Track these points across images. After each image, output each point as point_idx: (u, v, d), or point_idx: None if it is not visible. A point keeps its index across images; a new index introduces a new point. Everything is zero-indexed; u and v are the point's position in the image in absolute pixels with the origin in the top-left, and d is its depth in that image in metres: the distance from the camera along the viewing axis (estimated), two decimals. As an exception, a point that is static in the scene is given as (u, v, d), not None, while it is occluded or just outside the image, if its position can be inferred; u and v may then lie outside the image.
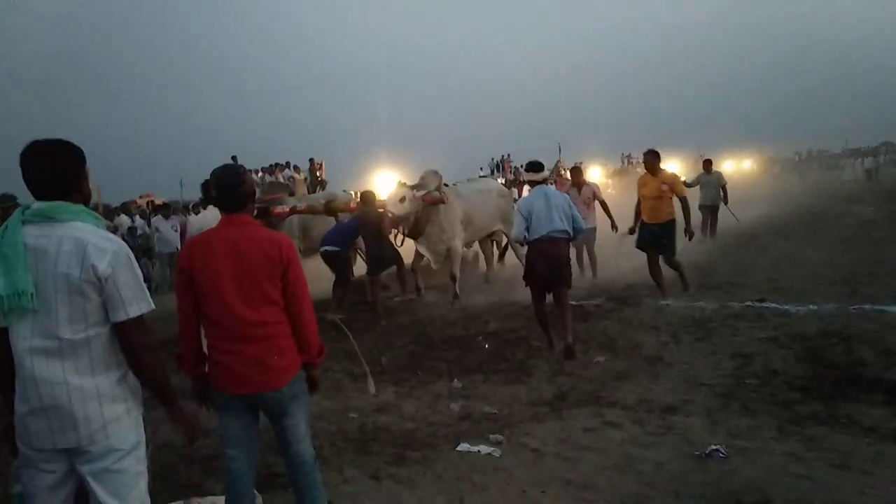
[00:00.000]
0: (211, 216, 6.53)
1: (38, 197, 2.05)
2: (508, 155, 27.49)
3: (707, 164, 12.94)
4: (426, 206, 7.96)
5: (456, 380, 5.17)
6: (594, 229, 9.08)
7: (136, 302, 2.06)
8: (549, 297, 5.86)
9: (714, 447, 3.51)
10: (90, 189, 2.21)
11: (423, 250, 8.49)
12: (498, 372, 5.32)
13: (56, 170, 2.06)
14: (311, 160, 18.84)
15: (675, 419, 4.03)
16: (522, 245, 6.02)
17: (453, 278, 8.32)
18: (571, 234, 5.77)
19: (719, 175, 12.83)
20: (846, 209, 17.28)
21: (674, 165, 31.62)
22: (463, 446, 3.83)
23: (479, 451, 3.76)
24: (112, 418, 2.04)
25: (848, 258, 9.51)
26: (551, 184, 7.82)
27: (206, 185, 6.65)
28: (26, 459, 2.06)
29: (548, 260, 5.64)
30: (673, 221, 7.49)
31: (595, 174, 27.80)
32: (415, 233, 8.10)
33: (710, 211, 12.38)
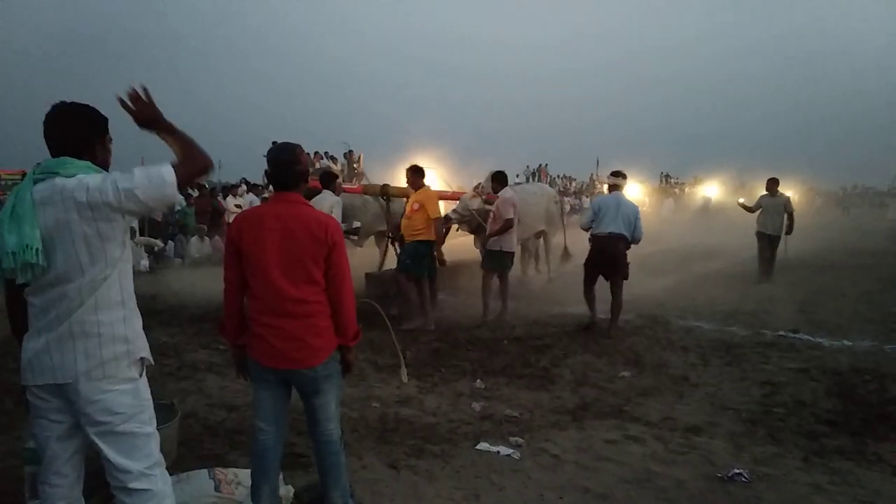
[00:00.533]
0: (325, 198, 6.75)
1: (53, 156, 2.10)
2: (546, 164, 27.40)
3: (772, 183, 10.49)
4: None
5: (479, 380, 5.18)
6: None
7: (163, 179, 2.03)
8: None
9: (737, 471, 3.47)
10: (107, 154, 2.22)
11: (480, 246, 8.53)
12: (521, 377, 5.31)
13: (71, 132, 2.11)
14: (350, 151, 18.97)
15: (698, 440, 3.98)
16: (586, 231, 7.03)
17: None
18: (630, 238, 6.69)
19: (786, 199, 10.47)
20: (888, 248, 16.86)
21: (713, 189, 31.27)
22: (482, 445, 3.84)
23: (498, 451, 3.77)
24: (110, 357, 2.07)
25: (887, 297, 9.29)
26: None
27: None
28: (37, 410, 2.12)
29: (605, 254, 6.70)
30: None
31: (634, 191, 27.47)
32: (477, 230, 8.33)
33: (768, 242, 10.38)
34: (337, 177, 7.62)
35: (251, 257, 2.57)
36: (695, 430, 4.13)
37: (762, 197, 10.62)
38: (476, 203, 8.09)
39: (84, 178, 2.02)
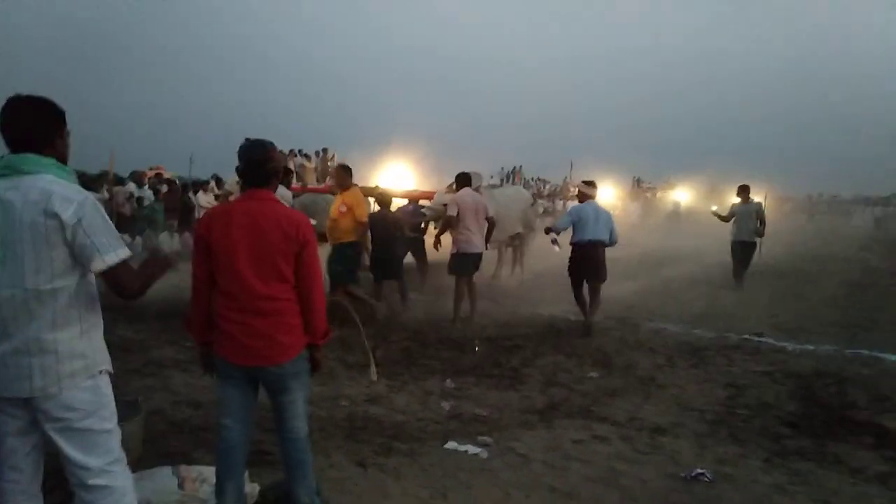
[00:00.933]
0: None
1: (13, 151, 2.05)
2: (521, 166, 27.54)
3: (742, 191, 10.55)
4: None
5: (449, 380, 5.18)
6: None
7: (113, 250, 2.05)
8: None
9: (700, 471, 3.53)
10: (65, 148, 2.18)
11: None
12: (491, 376, 5.33)
13: (29, 125, 2.06)
14: (324, 150, 18.83)
15: (663, 440, 4.04)
16: (556, 234, 7.24)
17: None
18: (608, 242, 7.10)
19: (758, 206, 10.54)
20: (852, 255, 17.30)
21: (684, 195, 31.73)
22: (450, 444, 3.85)
23: (466, 450, 3.78)
24: (67, 373, 2.04)
25: (850, 302, 9.55)
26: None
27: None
28: None
29: (589, 260, 7.00)
30: None
31: (607, 195, 27.70)
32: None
33: (741, 249, 10.37)
34: (291, 172, 7.58)
35: (220, 254, 2.53)
36: (660, 431, 4.19)
37: (734, 205, 10.66)
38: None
39: (72, 195, 2.01)
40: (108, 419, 2.17)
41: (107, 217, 2.11)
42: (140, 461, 3.25)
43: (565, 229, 7.19)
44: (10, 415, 2.08)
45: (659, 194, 35.48)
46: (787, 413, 4.60)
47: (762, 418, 4.48)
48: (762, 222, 10.29)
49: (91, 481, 2.11)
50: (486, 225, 7.35)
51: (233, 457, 2.67)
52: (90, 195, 2.08)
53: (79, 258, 2.03)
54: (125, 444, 3.14)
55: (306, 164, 17.40)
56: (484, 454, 3.74)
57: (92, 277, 2.14)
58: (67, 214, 1.97)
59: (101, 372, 2.16)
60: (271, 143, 2.72)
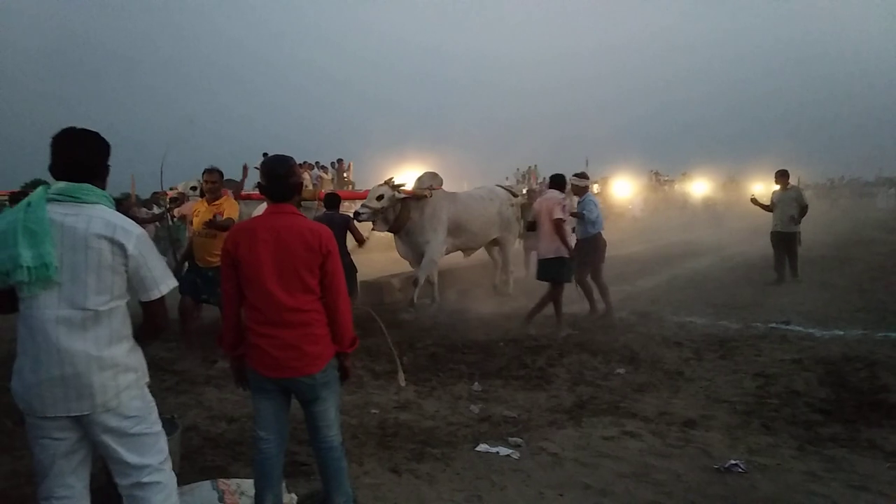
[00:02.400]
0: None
1: (63, 178, 2.18)
2: (535, 166, 27.49)
3: (781, 176, 9.75)
4: (407, 203, 7.77)
5: (476, 383, 5.22)
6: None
7: (165, 280, 2.27)
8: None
9: (733, 462, 3.52)
10: (107, 178, 2.34)
11: (402, 250, 8.29)
12: (518, 378, 5.36)
13: (85, 155, 2.22)
14: (340, 161, 19.03)
15: (694, 433, 4.04)
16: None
17: (415, 282, 8.06)
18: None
19: (797, 192, 9.87)
20: (877, 237, 17.05)
21: (702, 185, 31.48)
22: (482, 447, 3.88)
23: (497, 452, 3.81)
24: (124, 386, 2.19)
25: (876, 286, 9.41)
26: (577, 197, 8.04)
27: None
28: (39, 431, 2.16)
29: (603, 250, 7.57)
30: None
31: (625, 190, 27.53)
32: (394, 227, 7.92)
33: (782, 239, 9.61)
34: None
35: (247, 268, 2.60)
36: (691, 424, 4.18)
37: (774, 192, 9.90)
38: (382, 191, 7.55)
39: (131, 228, 2.19)
40: (156, 422, 2.34)
41: (156, 251, 2.30)
42: (179, 477, 3.33)
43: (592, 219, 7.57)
44: (57, 438, 2.16)
45: (676, 186, 35.22)
46: (818, 400, 4.57)
47: (793, 406, 4.46)
48: (803, 209, 9.56)
49: (147, 479, 2.25)
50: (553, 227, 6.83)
51: (270, 467, 2.73)
52: (143, 230, 2.26)
53: (135, 286, 2.21)
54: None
55: (323, 175, 17.58)
56: (516, 455, 3.77)
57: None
58: (131, 246, 2.15)
59: (145, 383, 2.33)
60: (292, 158, 2.79)
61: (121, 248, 2.13)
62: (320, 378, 2.67)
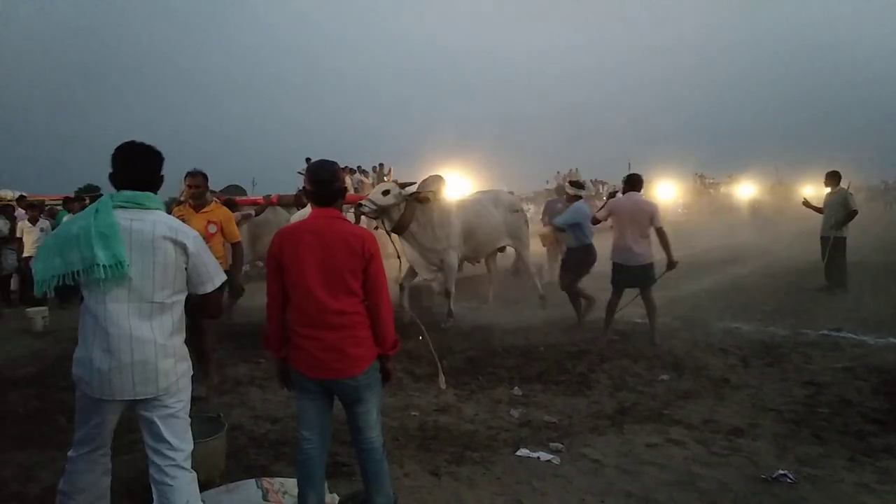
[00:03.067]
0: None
1: (125, 187, 2.44)
2: (576, 169, 27.24)
3: (831, 178, 9.36)
4: (412, 205, 7.36)
5: (516, 387, 5.20)
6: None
7: (218, 275, 2.62)
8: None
9: (782, 472, 3.43)
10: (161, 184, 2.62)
11: (411, 256, 7.70)
12: (558, 383, 5.32)
13: (146, 168, 2.51)
14: (381, 165, 19.19)
15: (741, 441, 3.94)
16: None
17: (448, 294, 7.78)
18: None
19: (843, 193, 9.25)
20: (935, 242, 16.37)
21: (749, 189, 30.73)
22: (522, 451, 3.86)
23: (538, 457, 3.79)
24: (182, 373, 2.51)
25: (935, 292, 9.04)
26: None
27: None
28: (93, 410, 2.44)
29: (594, 260, 7.36)
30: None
31: (668, 192, 26.98)
32: (398, 228, 7.39)
33: (827, 244, 9.20)
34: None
35: (291, 272, 2.66)
36: (737, 432, 4.08)
37: (826, 195, 9.42)
38: (389, 187, 7.20)
39: (188, 231, 2.52)
40: (189, 411, 2.59)
41: (209, 250, 2.62)
42: (224, 475, 3.41)
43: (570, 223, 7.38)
44: (108, 419, 2.47)
45: (722, 189, 34.44)
46: (872, 409, 4.41)
47: (845, 416, 4.32)
48: (849, 213, 9.00)
49: (184, 463, 2.48)
50: (655, 233, 6.45)
51: (313, 467, 2.77)
52: (197, 232, 2.58)
53: (192, 281, 2.52)
54: (210, 459, 3.32)
55: (364, 180, 17.76)
56: (556, 461, 3.74)
57: None
58: (190, 244, 2.46)
59: (192, 374, 2.61)
60: (336, 163, 2.83)
61: (182, 247, 2.43)
62: (362, 380, 2.71)
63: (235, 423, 4.35)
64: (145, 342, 2.35)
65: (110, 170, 2.48)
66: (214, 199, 5.11)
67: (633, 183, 6.76)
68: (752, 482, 3.40)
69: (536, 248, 10.26)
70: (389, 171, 19.23)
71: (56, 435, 4.17)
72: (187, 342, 2.62)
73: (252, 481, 3.17)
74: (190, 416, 3.73)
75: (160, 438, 2.44)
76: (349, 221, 2.82)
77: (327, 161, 2.83)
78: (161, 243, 2.40)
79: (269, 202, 9.71)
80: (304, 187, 2.82)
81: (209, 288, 2.57)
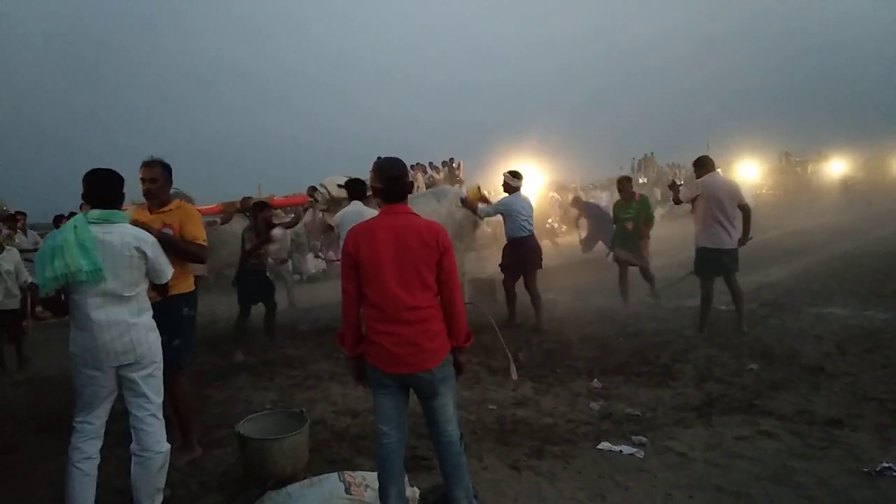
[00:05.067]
0: (353, 210, 5.90)
1: (96, 205, 3.07)
2: (652, 153, 26.42)
3: None
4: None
5: (596, 379, 5.09)
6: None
7: (170, 269, 3.30)
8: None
9: (886, 465, 3.20)
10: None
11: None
12: (640, 374, 5.17)
13: (110, 189, 3.16)
14: (451, 160, 19.23)
15: (839, 433, 3.71)
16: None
17: None
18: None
19: None
20: None
21: (841, 165, 28.96)
22: (604, 445, 3.77)
23: (620, 451, 3.69)
24: (153, 340, 3.16)
25: None
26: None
27: (354, 183, 6.56)
28: (90, 378, 3.00)
29: (533, 252, 7.10)
30: None
31: (751, 172, 25.77)
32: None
33: None
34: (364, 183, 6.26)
35: (367, 269, 2.69)
36: (835, 424, 3.85)
37: None
38: (342, 181, 6.78)
39: (147, 238, 3.17)
40: (162, 371, 3.24)
41: (162, 249, 3.27)
42: (308, 468, 3.50)
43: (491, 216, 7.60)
44: (103, 385, 3.03)
45: (811, 168, 32.64)
46: None
47: (958, 406, 3.99)
48: None
49: (157, 413, 3.14)
50: (740, 214, 6.15)
51: (392, 461, 2.79)
52: (154, 238, 3.23)
53: (152, 275, 3.19)
54: (295, 452, 3.41)
55: (436, 176, 17.85)
56: (640, 454, 3.63)
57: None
58: (149, 250, 3.12)
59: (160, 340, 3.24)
60: (402, 161, 2.85)
61: (143, 253, 3.10)
62: (438, 373, 2.71)
63: (317, 417, 4.46)
64: (120, 323, 3.00)
65: (82, 191, 3.14)
66: (179, 196, 4.24)
67: (708, 164, 6.42)
68: (854, 476, 3.19)
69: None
70: (459, 165, 19.26)
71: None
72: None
73: (335, 475, 3.22)
74: (274, 411, 3.90)
75: (140, 394, 3.08)
76: (421, 216, 2.82)
77: (396, 158, 2.85)
78: (128, 251, 3.04)
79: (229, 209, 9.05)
80: (371, 185, 2.83)
81: (163, 280, 3.26)
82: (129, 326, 3.03)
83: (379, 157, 2.87)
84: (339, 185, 6.81)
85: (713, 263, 6.23)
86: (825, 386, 4.55)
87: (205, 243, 4.01)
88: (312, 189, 6.82)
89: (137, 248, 3.08)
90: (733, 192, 6.21)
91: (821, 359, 5.16)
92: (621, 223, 8.08)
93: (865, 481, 3.13)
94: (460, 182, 18.84)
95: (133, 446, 3.11)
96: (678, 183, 7.13)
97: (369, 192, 6.29)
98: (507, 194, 7.23)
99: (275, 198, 6.54)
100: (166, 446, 3.18)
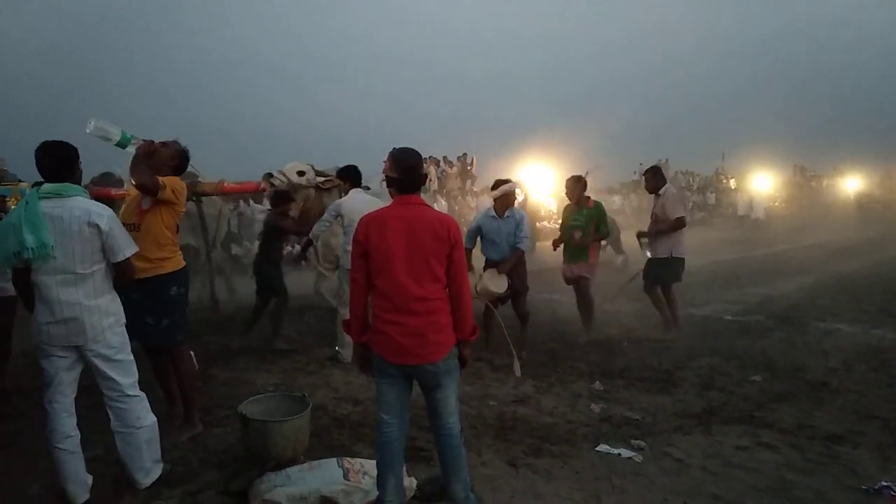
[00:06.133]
0: (359, 199, 5.59)
1: (48, 179, 2.97)
2: (666, 159, 26.29)
3: None
4: (320, 194, 6.57)
5: (597, 382, 5.09)
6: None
7: (128, 248, 3.10)
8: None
9: (885, 484, 3.19)
10: (80, 176, 3.16)
11: (319, 247, 7.19)
12: (642, 379, 5.17)
13: (58, 162, 3.01)
14: (464, 154, 19.22)
15: (839, 449, 3.70)
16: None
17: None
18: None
19: None
20: None
21: (856, 181, 28.75)
22: (602, 447, 3.78)
23: (619, 453, 3.69)
24: (107, 325, 3.04)
25: None
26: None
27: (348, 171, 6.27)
28: (44, 351, 2.98)
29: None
30: None
31: (764, 184, 25.63)
32: (302, 213, 6.75)
33: None
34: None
35: (378, 258, 2.70)
36: (835, 439, 3.83)
37: None
38: (305, 170, 6.30)
39: (103, 211, 3.01)
40: (129, 352, 3.17)
41: (122, 225, 3.15)
42: (308, 452, 3.52)
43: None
44: (62, 357, 2.99)
45: (826, 182, 32.40)
46: None
47: (961, 429, 3.97)
48: None
49: (129, 392, 3.11)
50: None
51: (392, 450, 2.81)
52: (111, 211, 3.08)
53: (108, 252, 3.02)
54: (296, 435, 3.43)
55: (449, 170, 17.85)
56: (638, 458, 3.63)
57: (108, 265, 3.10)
58: (103, 224, 2.96)
59: (122, 323, 3.14)
60: (418, 152, 2.85)
61: (96, 227, 2.94)
62: (443, 366, 2.73)
63: (319, 403, 4.48)
64: (72, 304, 2.93)
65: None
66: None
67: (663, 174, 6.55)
68: (852, 493, 3.19)
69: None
70: (472, 161, 19.24)
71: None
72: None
73: (334, 460, 3.25)
74: (277, 394, 3.92)
75: (105, 377, 3.06)
76: (433, 208, 2.83)
77: (411, 148, 2.85)
78: (77, 226, 2.92)
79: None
80: (386, 174, 2.84)
81: (120, 258, 3.05)
82: (81, 308, 2.94)
83: (396, 148, 2.87)
84: (300, 173, 6.66)
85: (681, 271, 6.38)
86: (828, 401, 4.54)
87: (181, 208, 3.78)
88: (269, 176, 6.55)
89: (89, 223, 2.94)
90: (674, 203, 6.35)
91: (825, 374, 5.14)
92: (569, 231, 6.42)
93: (863, 498, 3.13)
94: (472, 178, 18.86)
95: (113, 423, 3.11)
96: (643, 235, 6.59)
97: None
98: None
99: (225, 184, 5.99)
100: (150, 419, 3.17)
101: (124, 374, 3.10)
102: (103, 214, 3.00)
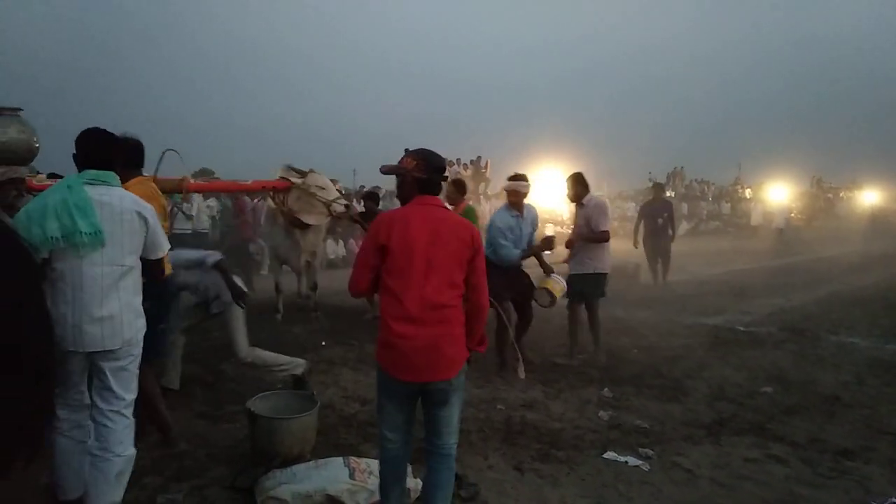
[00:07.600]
0: None
1: (90, 167, 2.74)
2: (682, 167, 26.15)
3: None
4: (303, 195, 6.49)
5: (606, 389, 5.06)
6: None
7: (165, 245, 2.97)
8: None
9: (894, 500, 3.15)
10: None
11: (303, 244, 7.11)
12: (651, 387, 5.13)
13: (107, 150, 2.84)
14: (478, 157, 19.21)
15: (850, 464, 3.66)
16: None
17: (314, 288, 7.39)
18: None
19: None
20: None
21: (874, 195, 28.45)
22: (610, 454, 3.76)
23: (626, 461, 3.67)
24: (140, 328, 2.81)
25: None
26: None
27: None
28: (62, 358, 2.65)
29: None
30: None
31: (780, 195, 25.41)
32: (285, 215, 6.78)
33: None
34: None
35: (398, 258, 2.56)
36: (847, 454, 3.79)
37: None
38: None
39: (146, 204, 2.86)
40: (138, 366, 2.86)
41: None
42: (314, 450, 3.53)
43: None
44: (78, 365, 2.72)
45: (843, 195, 32.08)
46: None
47: (976, 447, 3.91)
48: None
49: (124, 410, 2.76)
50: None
51: (397, 464, 2.71)
52: (151, 205, 2.93)
53: (148, 247, 2.84)
54: (303, 434, 3.44)
55: (463, 172, 17.85)
56: (645, 467, 3.61)
57: None
58: (149, 217, 2.81)
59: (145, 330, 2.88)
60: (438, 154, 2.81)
61: (144, 219, 2.77)
62: (455, 383, 2.59)
63: (327, 402, 4.48)
64: (113, 300, 2.66)
65: (74, 152, 2.81)
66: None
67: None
68: (862, 509, 3.16)
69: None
70: (486, 164, 19.22)
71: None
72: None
73: (340, 459, 3.25)
74: (285, 392, 3.93)
75: (107, 387, 2.72)
76: (452, 211, 2.79)
77: (431, 150, 2.77)
78: (128, 215, 2.73)
79: None
80: (411, 173, 2.69)
81: (159, 254, 2.92)
82: (121, 305, 2.67)
83: (421, 149, 2.78)
84: (292, 169, 6.77)
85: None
86: (840, 415, 4.49)
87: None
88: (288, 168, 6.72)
89: (139, 213, 2.75)
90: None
91: (838, 388, 5.09)
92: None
93: (873, 514, 3.09)
94: (486, 181, 18.84)
95: (91, 443, 2.72)
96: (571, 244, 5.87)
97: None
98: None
99: (190, 182, 5.68)
100: (130, 451, 2.78)
101: (126, 389, 2.77)
102: (147, 208, 2.84)
